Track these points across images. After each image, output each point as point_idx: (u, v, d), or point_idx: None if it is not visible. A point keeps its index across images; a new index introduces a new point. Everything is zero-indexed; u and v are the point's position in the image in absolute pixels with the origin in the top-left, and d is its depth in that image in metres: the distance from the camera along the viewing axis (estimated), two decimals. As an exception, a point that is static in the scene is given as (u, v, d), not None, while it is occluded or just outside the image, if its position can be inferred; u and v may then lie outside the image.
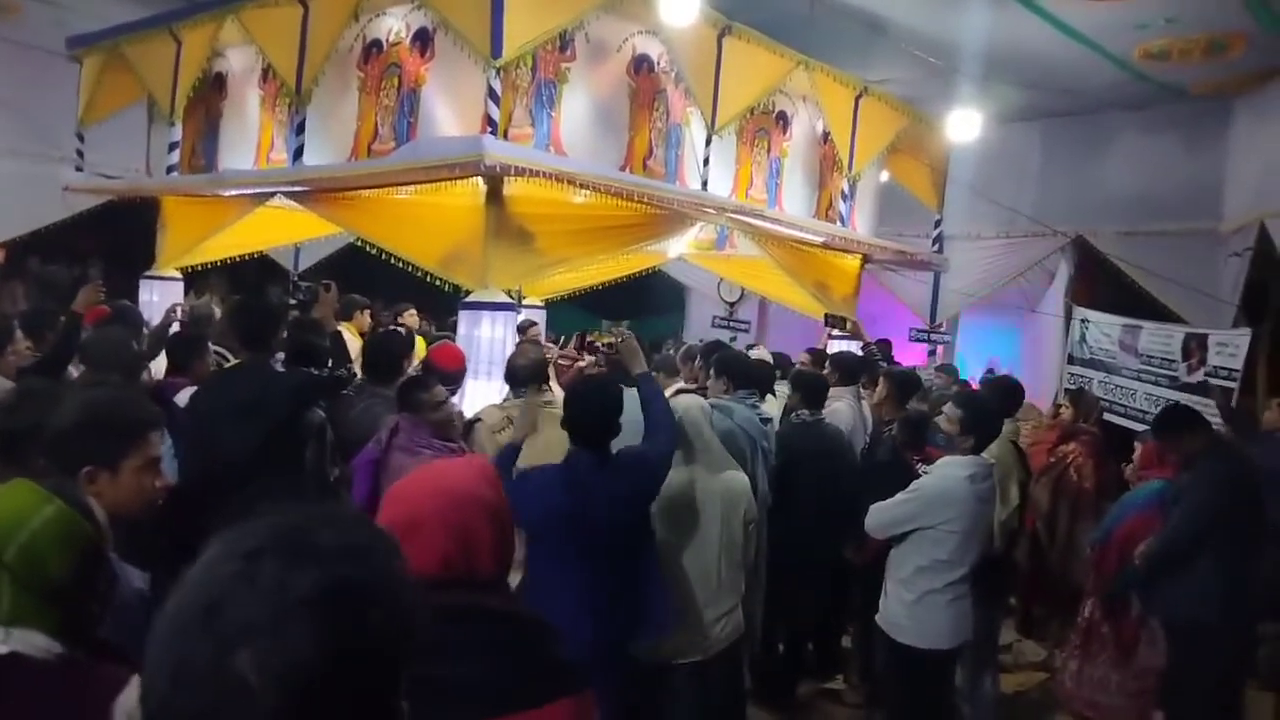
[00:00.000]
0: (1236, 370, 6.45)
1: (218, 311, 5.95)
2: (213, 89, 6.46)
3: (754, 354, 5.70)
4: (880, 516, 3.60)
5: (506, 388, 4.38)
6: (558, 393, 3.95)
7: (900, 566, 3.58)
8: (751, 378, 4.27)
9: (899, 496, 3.56)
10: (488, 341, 4.47)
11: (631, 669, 3.00)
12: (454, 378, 3.92)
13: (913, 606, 3.51)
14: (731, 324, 9.65)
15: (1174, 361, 7.07)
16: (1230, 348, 6.58)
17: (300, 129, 5.45)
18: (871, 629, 3.83)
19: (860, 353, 6.46)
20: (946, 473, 3.53)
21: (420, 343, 5.31)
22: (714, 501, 3.28)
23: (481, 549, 1.53)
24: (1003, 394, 4.70)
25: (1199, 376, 6.78)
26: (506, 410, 3.64)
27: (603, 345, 5.62)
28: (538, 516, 2.77)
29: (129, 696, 1.29)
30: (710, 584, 3.23)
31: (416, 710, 1.40)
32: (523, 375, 3.72)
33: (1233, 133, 7.88)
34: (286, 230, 6.86)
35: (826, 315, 6.82)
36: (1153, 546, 3.86)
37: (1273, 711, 4.54)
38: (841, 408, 4.96)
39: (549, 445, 3.29)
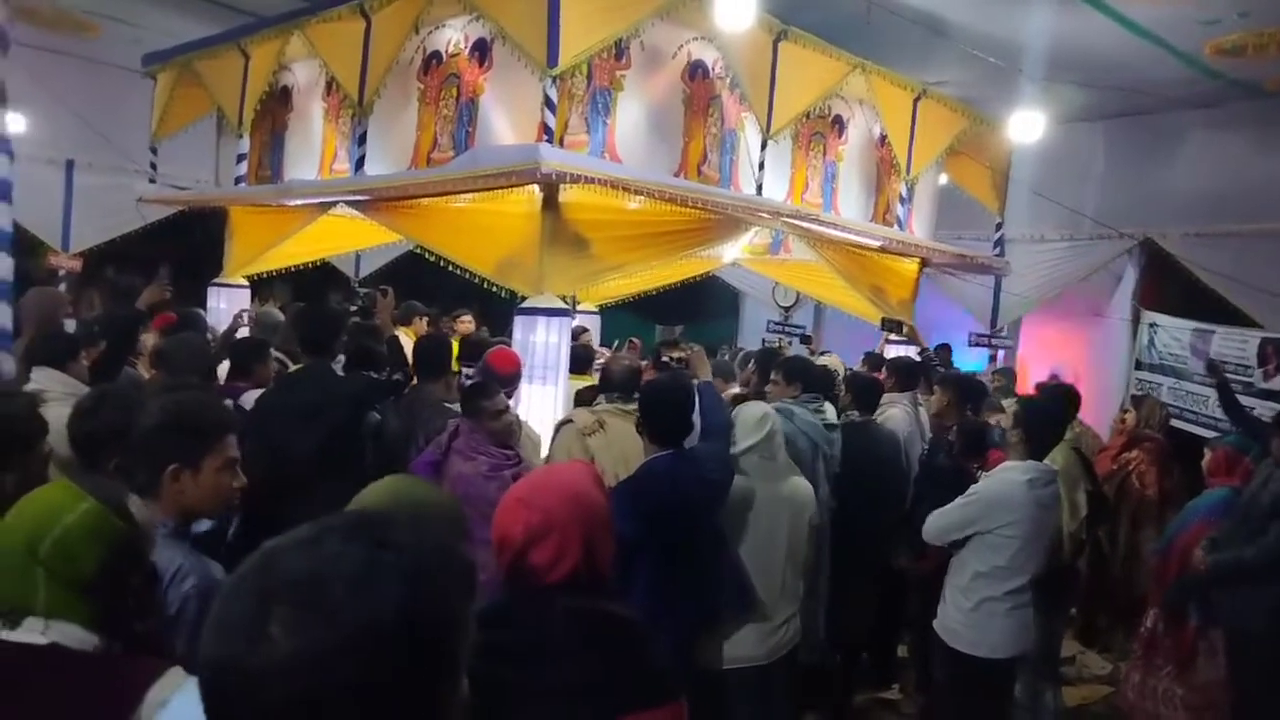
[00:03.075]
0: (1316, 376, 6.21)
1: (282, 317, 6.12)
2: (278, 102, 6.63)
3: (822, 361, 5.71)
4: (938, 522, 3.56)
5: (561, 392, 4.46)
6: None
7: (959, 573, 3.53)
8: (819, 383, 4.32)
9: (957, 501, 3.52)
10: (542, 346, 4.52)
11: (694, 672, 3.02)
12: (509, 381, 3.98)
13: (970, 613, 3.46)
14: (786, 329, 9.59)
15: (1249, 367, 6.82)
16: (1309, 353, 6.34)
17: (362, 140, 5.56)
18: (929, 639, 3.78)
19: (918, 358, 6.38)
20: (1005, 476, 3.48)
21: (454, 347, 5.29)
22: (781, 507, 3.27)
23: (603, 553, 1.57)
24: (1059, 400, 4.59)
25: (1277, 383, 6.53)
26: (598, 414, 3.67)
27: (672, 358, 5.71)
28: (636, 524, 2.67)
29: (161, 687, 1.34)
30: (775, 589, 3.22)
31: (534, 708, 1.45)
32: (617, 380, 3.79)
33: (1311, 129, 7.60)
34: (348, 238, 7.02)
35: (883, 320, 6.74)
36: (1243, 553, 3.71)
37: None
38: (896, 413, 4.89)
39: (626, 451, 3.31)
